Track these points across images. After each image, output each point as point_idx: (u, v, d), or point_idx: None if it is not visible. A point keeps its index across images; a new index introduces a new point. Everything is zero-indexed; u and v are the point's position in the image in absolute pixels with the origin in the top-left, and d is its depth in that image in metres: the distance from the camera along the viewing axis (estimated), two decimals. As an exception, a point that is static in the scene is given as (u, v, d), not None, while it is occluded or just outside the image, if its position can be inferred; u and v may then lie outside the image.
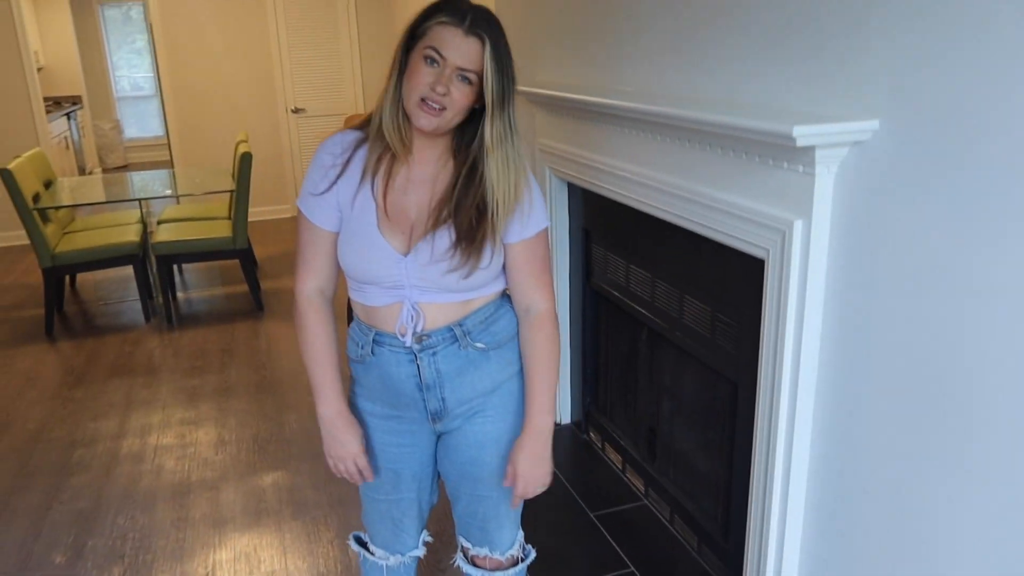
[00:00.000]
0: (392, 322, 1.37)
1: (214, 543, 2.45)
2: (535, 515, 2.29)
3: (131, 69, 10.20)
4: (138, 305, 4.63)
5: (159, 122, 10.29)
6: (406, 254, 1.32)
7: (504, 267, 1.40)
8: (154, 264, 4.47)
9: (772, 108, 1.63)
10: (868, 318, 1.49)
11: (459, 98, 1.25)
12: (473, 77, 1.24)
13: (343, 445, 1.44)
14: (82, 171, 8.41)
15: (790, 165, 1.56)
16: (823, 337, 1.63)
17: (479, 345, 1.40)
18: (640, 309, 2.40)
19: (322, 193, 1.35)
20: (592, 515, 2.51)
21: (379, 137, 1.32)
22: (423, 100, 1.24)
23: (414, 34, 1.27)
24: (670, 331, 2.25)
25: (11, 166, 4.01)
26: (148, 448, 3.02)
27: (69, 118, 8.08)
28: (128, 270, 4.87)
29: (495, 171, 1.29)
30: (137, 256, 4.32)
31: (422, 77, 1.23)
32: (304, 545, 2.42)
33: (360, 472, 1.47)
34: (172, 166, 6.61)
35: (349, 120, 6.47)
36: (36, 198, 4.29)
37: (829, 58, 1.48)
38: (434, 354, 1.38)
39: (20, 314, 4.57)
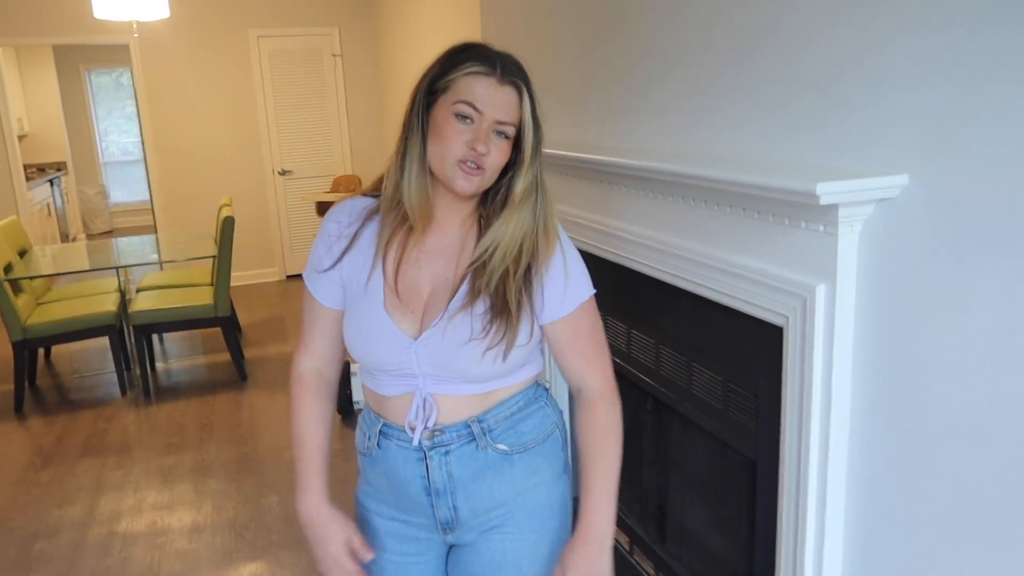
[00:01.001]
0: (402, 414, 1.20)
1: (183, 648, 2.22)
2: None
3: (121, 135, 10.17)
4: (115, 377, 4.42)
5: (145, 186, 10.22)
6: (416, 338, 1.15)
7: (548, 349, 1.24)
8: (131, 335, 4.29)
9: (789, 165, 1.50)
10: (902, 392, 1.33)
11: (498, 156, 1.12)
12: (510, 131, 1.12)
13: (326, 544, 1.22)
14: (65, 238, 8.27)
15: (809, 225, 1.41)
16: (853, 412, 1.46)
17: (501, 447, 1.20)
18: (644, 377, 2.23)
19: (326, 270, 1.20)
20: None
21: (394, 207, 1.17)
22: (461, 162, 1.10)
23: (433, 88, 1.12)
24: (678, 402, 2.07)
25: (-18, 236, 3.85)
26: (116, 538, 2.79)
27: (52, 184, 7.98)
28: (106, 341, 4.68)
29: (516, 226, 1.14)
30: (113, 327, 4.14)
31: (457, 136, 1.09)
32: (282, 648, 2.19)
33: (356, 555, 1.23)
34: (155, 231, 6.48)
35: (337, 183, 6.38)
36: (8, 268, 4.13)
37: (849, 111, 1.35)
38: (446, 453, 1.19)
39: (-10, 390, 4.36)
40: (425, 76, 1.14)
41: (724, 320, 1.77)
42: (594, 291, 1.24)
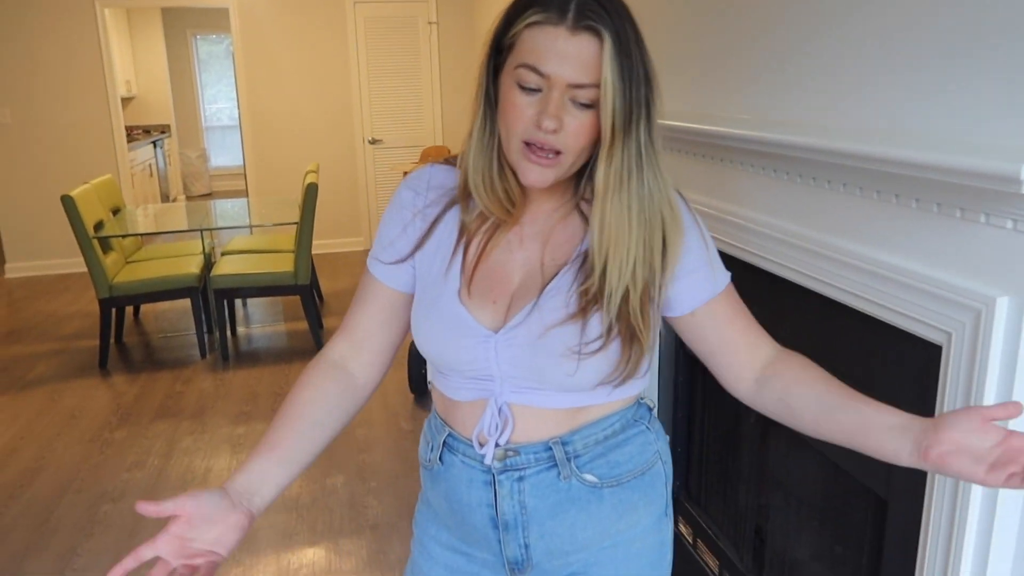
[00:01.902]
0: (471, 425, 0.97)
1: (232, 636, 2.10)
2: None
3: (225, 101, 10.38)
4: (195, 339, 4.42)
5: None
6: (497, 330, 0.93)
7: (696, 339, 1.00)
8: (212, 298, 4.26)
9: (951, 139, 1.19)
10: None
11: (578, 131, 0.84)
12: (591, 95, 0.83)
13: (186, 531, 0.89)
14: (165, 198, 8.49)
15: (992, 219, 1.11)
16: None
17: (588, 477, 0.96)
18: (750, 386, 1.95)
19: (396, 262, 0.99)
20: (681, 635, 2.04)
21: (469, 196, 0.96)
22: (527, 145, 0.86)
23: (499, 47, 0.88)
24: (790, 418, 1.79)
25: (74, 193, 3.87)
26: (179, 507, 2.72)
27: (155, 146, 8.18)
28: (189, 302, 4.69)
29: (608, 224, 0.87)
30: (195, 289, 4.11)
31: (519, 111, 0.84)
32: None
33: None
34: (247, 196, 6.51)
35: (426, 153, 6.24)
36: (100, 226, 4.15)
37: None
38: (520, 479, 0.96)
39: (78, 344, 4.43)
40: (492, 30, 0.89)
41: (859, 330, 1.47)
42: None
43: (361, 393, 1.04)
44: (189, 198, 9.64)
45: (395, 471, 2.92)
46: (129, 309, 4.84)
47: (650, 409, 1.07)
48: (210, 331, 4.47)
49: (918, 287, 1.24)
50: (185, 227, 4.59)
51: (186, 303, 4.93)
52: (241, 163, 10.39)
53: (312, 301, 4.24)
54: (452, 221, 0.97)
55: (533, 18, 0.83)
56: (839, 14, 1.47)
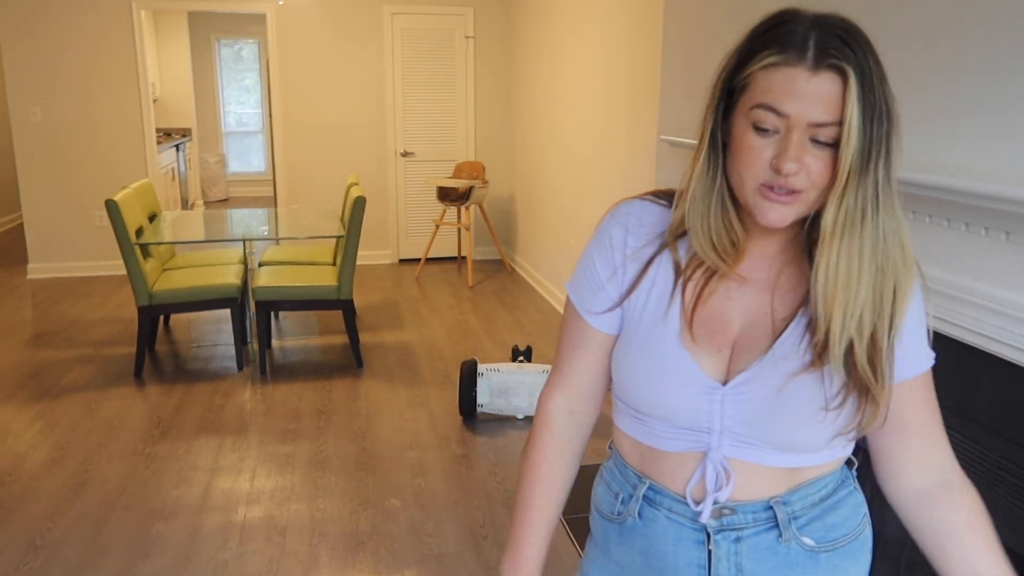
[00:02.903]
0: (682, 478, 0.92)
1: (305, 671, 2.02)
2: None
3: (238, 105, 10.33)
4: (231, 351, 4.34)
5: (261, 158, 10.35)
6: (725, 382, 0.88)
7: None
8: (252, 309, 4.19)
9: None
10: None
11: (820, 171, 0.79)
12: (835, 132, 0.78)
13: None
14: (184, 203, 8.41)
15: None
16: None
17: (807, 541, 0.91)
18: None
19: (607, 311, 0.96)
20: None
21: (682, 237, 0.91)
22: (765, 187, 0.81)
23: (732, 86, 0.83)
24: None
25: (117, 197, 3.80)
26: (233, 529, 2.63)
27: (178, 150, 8.11)
28: (222, 312, 4.61)
29: (834, 268, 0.81)
30: (236, 300, 4.04)
31: (756, 154, 0.80)
32: None
33: None
34: (275, 204, 6.45)
35: (459, 168, 6.19)
36: (139, 232, 4.08)
37: None
38: (737, 540, 0.90)
39: (111, 351, 4.34)
40: (721, 71, 0.85)
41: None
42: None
43: (588, 433, 1.05)
44: (207, 203, 9.57)
45: (453, 498, 2.84)
46: (160, 317, 4.77)
47: (852, 466, 1.00)
48: (246, 343, 4.39)
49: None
50: (223, 236, 4.52)
51: (216, 313, 4.86)
52: (257, 169, 10.38)
53: (353, 316, 4.17)
54: (667, 261, 0.92)
55: (770, 59, 0.79)
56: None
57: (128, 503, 2.78)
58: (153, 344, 4.39)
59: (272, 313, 5.02)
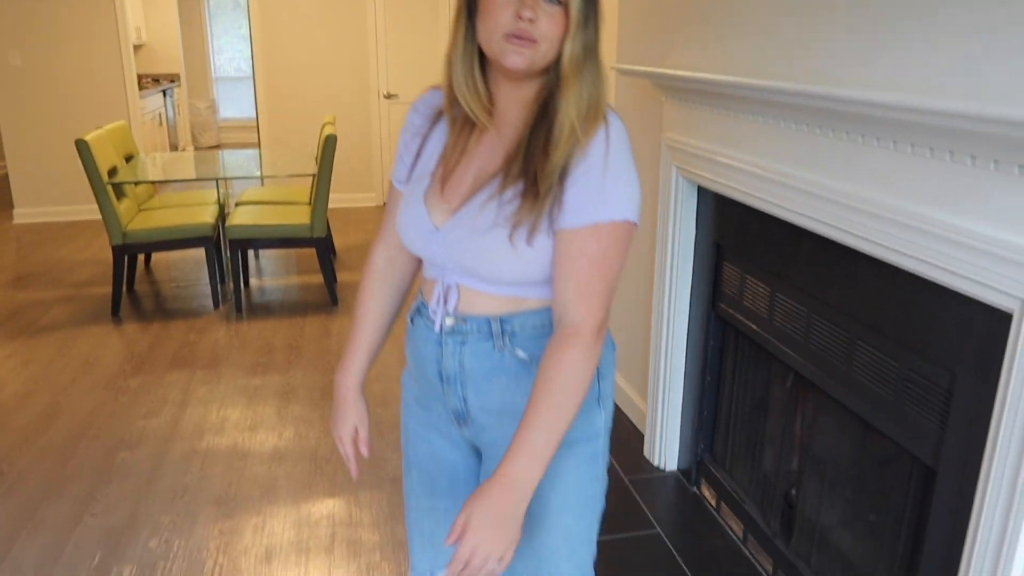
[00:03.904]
0: (432, 297, 1.17)
1: (253, 584, 2.10)
2: (638, 598, 1.83)
3: (235, 52, 10.21)
4: (209, 289, 4.39)
5: (254, 104, 10.27)
6: (440, 228, 1.10)
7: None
8: (227, 248, 4.22)
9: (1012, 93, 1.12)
10: None
11: (549, 24, 0.99)
12: None
13: (340, 424, 1.31)
14: (174, 148, 8.39)
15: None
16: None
17: (520, 353, 1.11)
18: (786, 349, 1.91)
19: (403, 181, 1.20)
20: (704, 597, 2.03)
21: (453, 104, 1.10)
22: (509, 35, 0.99)
23: None
24: (829, 383, 1.75)
25: (88, 137, 3.80)
26: (196, 456, 2.70)
27: (165, 95, 8.06)
28: (202, 252, 4.64)
29: (570, 103, 1.00)
30: (210, 239, 4.06)
31: (500, 8, 0.99)
32: (355, 599, 2.04)
33: (353, 458, 1.32)
34: (259, 146, 6.43)
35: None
36: (113, 172, 4.09)
37: None
38: (462, 343, 1.14)
39: (90, 291, 4.40)
40: None
41: (912, 293, 1.43)
42: (632, 220, 1.03)
43: (409, 277, 1.30)
44: (198, 149, 9.53)
45: (413, 427, 2.90)
46: (140, 258, 4.81)
47: None
48: (223, 282, 4.43)
49: (980, 248, 1.19)
50: (198, 176, 4.52)
51: (198, 253, 4.90)
52: (250, 115, 10.30)
53: (327, 254, 4.19)
54: (441, 133, 1.14)
55: None
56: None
57: (96, 434, 2.85)
58: (132, 284, 4.44)
59: (252, 252, 5.07)
